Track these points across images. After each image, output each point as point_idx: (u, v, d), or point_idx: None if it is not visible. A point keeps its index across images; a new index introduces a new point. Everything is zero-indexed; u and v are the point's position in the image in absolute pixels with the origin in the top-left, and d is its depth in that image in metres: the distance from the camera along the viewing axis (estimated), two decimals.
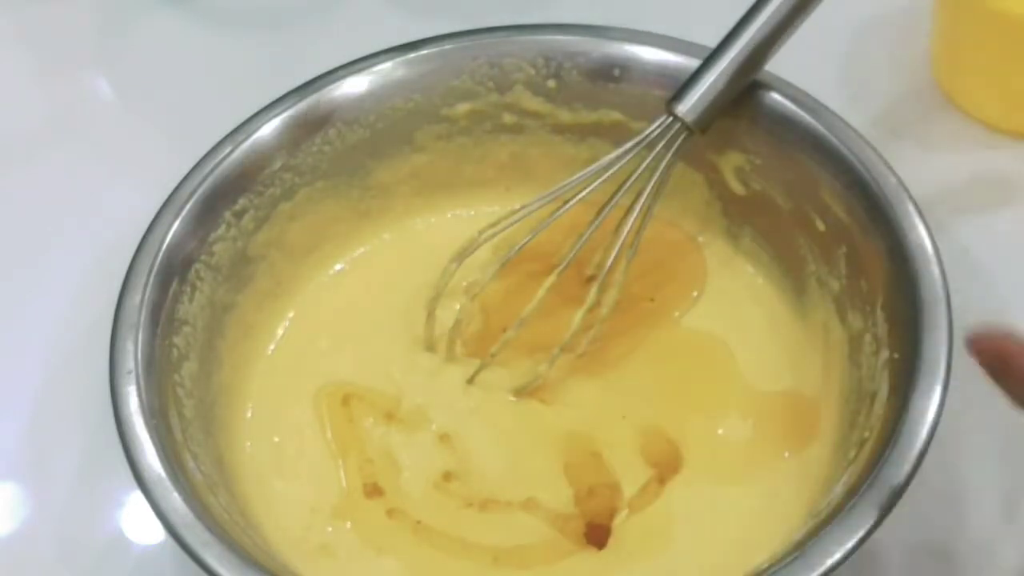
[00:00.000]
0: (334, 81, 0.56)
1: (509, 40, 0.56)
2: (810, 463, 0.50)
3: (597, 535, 0.50)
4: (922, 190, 0.50)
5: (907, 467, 0.43)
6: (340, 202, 0.57)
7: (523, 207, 0.53)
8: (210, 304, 0.53)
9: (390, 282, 0.58)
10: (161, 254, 0.51)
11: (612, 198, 0.53)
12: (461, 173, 0.59)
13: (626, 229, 0.52)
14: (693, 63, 0.52)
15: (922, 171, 0.52)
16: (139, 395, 0.47)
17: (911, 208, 0.49)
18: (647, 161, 0.52)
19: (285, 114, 0.55)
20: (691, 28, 0.54)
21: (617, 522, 0.50)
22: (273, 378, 0.55)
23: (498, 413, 0.54)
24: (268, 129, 0.54)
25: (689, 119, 0.51)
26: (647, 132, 0.52)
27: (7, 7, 0.73)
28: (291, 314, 0.57)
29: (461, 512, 0.51)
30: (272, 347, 0.56)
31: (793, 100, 0.53)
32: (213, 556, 0.43)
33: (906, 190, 0.50)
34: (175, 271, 0.51)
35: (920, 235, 0.49)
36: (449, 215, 0.60)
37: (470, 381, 0.54)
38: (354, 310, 0.57)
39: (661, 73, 0.54)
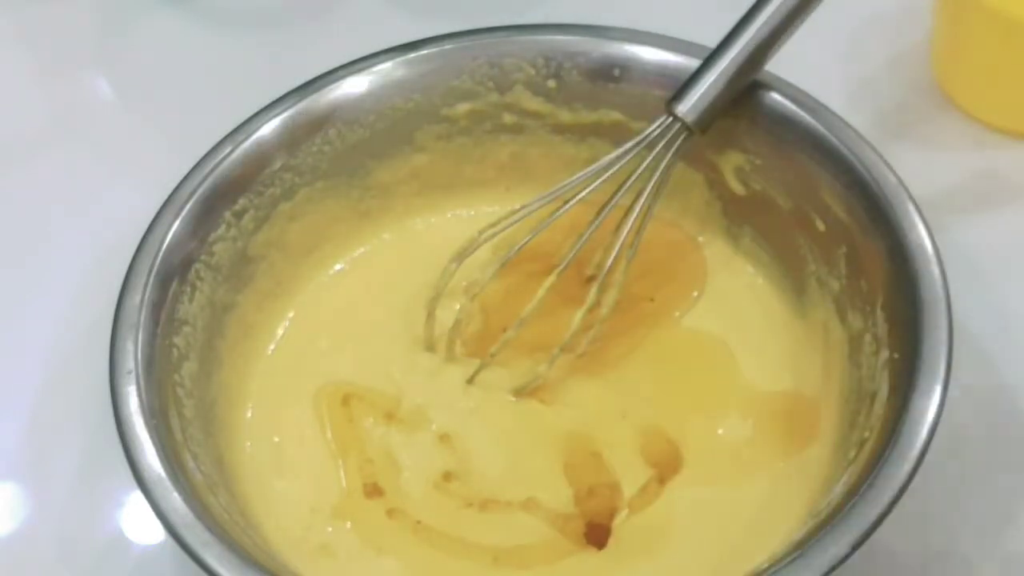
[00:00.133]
0: (334, 81, 0.56)
1: (509, 40, 0.56)
2: (810, 463, 0.50)
3: (597, 535, 0.50)
4: (922, 190, 0.50)
5: (907, 467, 0.43)
6: (340, 202, 0.57)
7: (523, 207, 0.53)
8: (210, 304, 0.53)
9: (390, 282, 0.58)
10: (161, 254, 0.51)
11: (612, 198, 0.53)
12: (461, 173, 0.59)
13: (626, 229, 0.52)
14: (693, 63, 0.52)
15: (922, 171, 0.52)
16: (139, 395, 0.47)
17: (911, 208, 0.49)
18: (647, 161, 0.52)
19: (285, 114, 0.55)
20: (691, 28, 0.54)
21: (617, 522, 0.50)
22: (273, 378, 0.55)
23: (498, 413, 0.54)
24: (268, 129, 0.54)
25: (689, 119, 0.51)
26: (647, 132, 0.52)
27: (7, 7, 0.73)
28: (291, 314, 0.57)
29: (461, 512, 0.51)
30: (272, 347, 0.56)
31: (793, 100, 0.53)
32: (213, 556, 0.43)
33: (906, 190, 0.50)
34: (175, 271, 0.51)
35: (920, 235, 0.48)
36: (449, 215, 0.60)
37: (470, 381, 0.54)
38: (354, 310, 0.57)
39: (661, 73, 0.54)
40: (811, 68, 0.55)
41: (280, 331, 0.56)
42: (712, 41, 0.52)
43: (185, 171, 0.53)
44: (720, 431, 0.53)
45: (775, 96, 0.53)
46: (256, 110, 0.55)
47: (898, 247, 0.49)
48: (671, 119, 0.51)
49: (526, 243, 0.52)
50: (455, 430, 0.53)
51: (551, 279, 0.52)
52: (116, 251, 0.51)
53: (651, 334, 0.56)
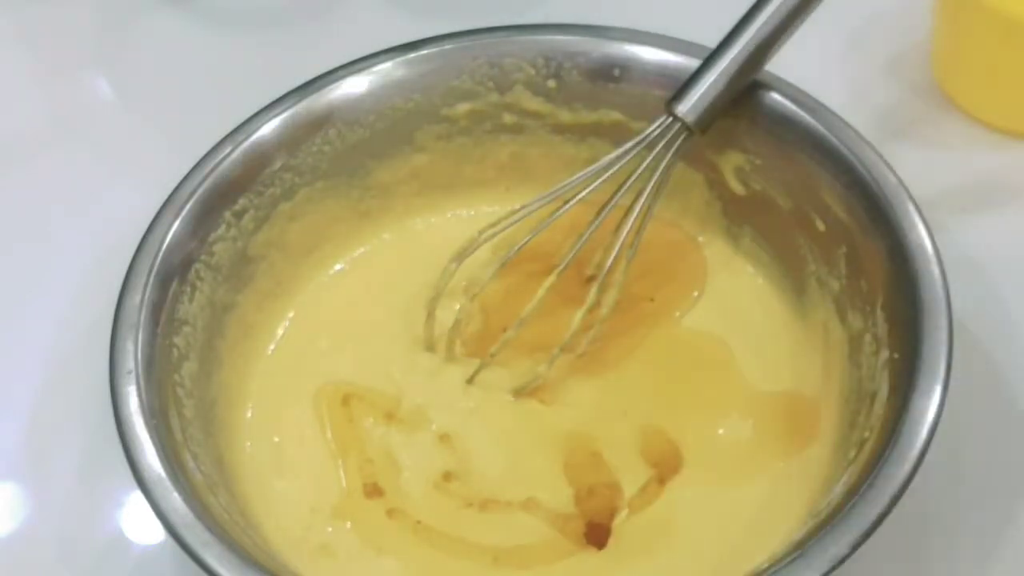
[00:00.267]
0: (334, 81, 0.56)
1: (509, 40, 0.56)
2: (810, 463, 0.50)
3: (597, 535, 0.50)
4: (922, 190, 0.50)
5: (907, 467, 0.43)
6: (340, 202, 0.57)
7: (523, 207, 0.53)
8: (210, 304, 0.53)
9: (390, 282, 0.58)
10: (161, 254, 0.51)
11: (612, 198, 0.53)
12: (461, 173, 0.59)
13: (626, 229, 0.52)
14: (693, 63, 0.52)
15: (922, 171, 0.52)
16: (139, 395, 0.47)
17: (911, 208, 0.49)
18: (647, 161, 0.52)
19: (285, 114, 0.55)
20: (691, 28, 0.54)
21: (617, 522, 0.50)
22: (273, 378, 0.55)
23: (498, 413, 0.54)
24: (268, 129, 0.54)
25: (689, 119, 0.51)
26: (647, 132, 0.52)
27: (7, 7, 0.73)
28: (291, 314, 0.57)
29: (461, 512, 0.51)
30: (272, 347, 0.56)
31: (793, 100, 0.53)
32: (213, 556, 0.43)
33: (906, 190, 0.50)
34: (175, 271, 0.51)
35: (920, 235, 0.48)
36: (449, 215, 0.60)
37: (470, 381, 0.54)
38: (354, 310, 0.57)
39: (661, 73, 0.54)
40: (811, 68, 0.55)
41: (280, 331, 0.56)
42: (712, 41, 0.52)
43: (185, 171, 0.53)
44: (720, 431, 0.53)
45: (775, 96, 0.53)
46: (256, 110, 0.55)
47: (898, 247, 0.49)
48: (671, 119, 0.51)
49: (526, 243, 0.52)
50: (455, 430, 0.53)
51: (551, 279, 0.52)
52: (116, 251, 0.51)
53: (651, 334, 0.56)
